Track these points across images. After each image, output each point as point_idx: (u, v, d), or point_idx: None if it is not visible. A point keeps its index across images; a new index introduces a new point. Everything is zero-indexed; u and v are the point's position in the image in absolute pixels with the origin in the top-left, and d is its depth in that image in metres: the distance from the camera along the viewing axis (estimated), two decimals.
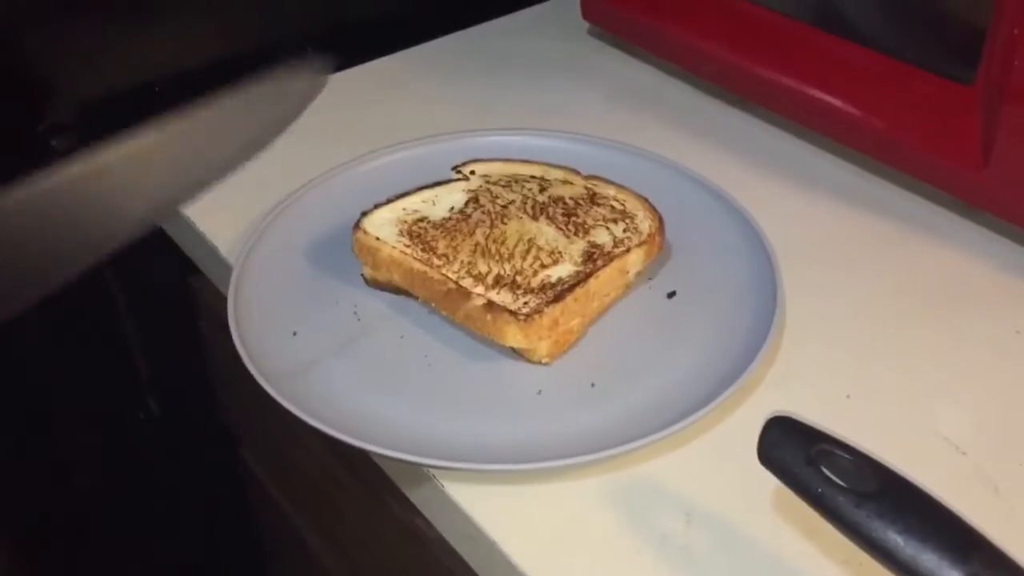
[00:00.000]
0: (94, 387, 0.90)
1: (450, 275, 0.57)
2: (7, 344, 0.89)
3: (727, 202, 0.66)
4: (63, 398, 0.90)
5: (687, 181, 0.68)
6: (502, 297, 0.56)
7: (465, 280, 0.57)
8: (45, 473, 0.96)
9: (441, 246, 0.60)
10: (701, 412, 0.52)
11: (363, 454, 0.52)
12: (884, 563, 0.39)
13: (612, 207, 0.63)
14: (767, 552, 0.48)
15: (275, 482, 0.88)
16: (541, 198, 0.64)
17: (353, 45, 0.87)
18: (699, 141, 0.76)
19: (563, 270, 0.58)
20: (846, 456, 0.41)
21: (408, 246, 0.60)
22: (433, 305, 0.58)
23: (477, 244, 0.60)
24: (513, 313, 0.55)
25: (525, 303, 0.56)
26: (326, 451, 0.71)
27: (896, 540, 0.39)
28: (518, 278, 0.58)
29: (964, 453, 0.52)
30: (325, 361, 0.57)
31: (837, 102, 0.70)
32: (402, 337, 0.59)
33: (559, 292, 0.56)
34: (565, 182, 0.66)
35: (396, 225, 0.62)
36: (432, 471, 0.51)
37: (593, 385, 0.56)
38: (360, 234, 0.60)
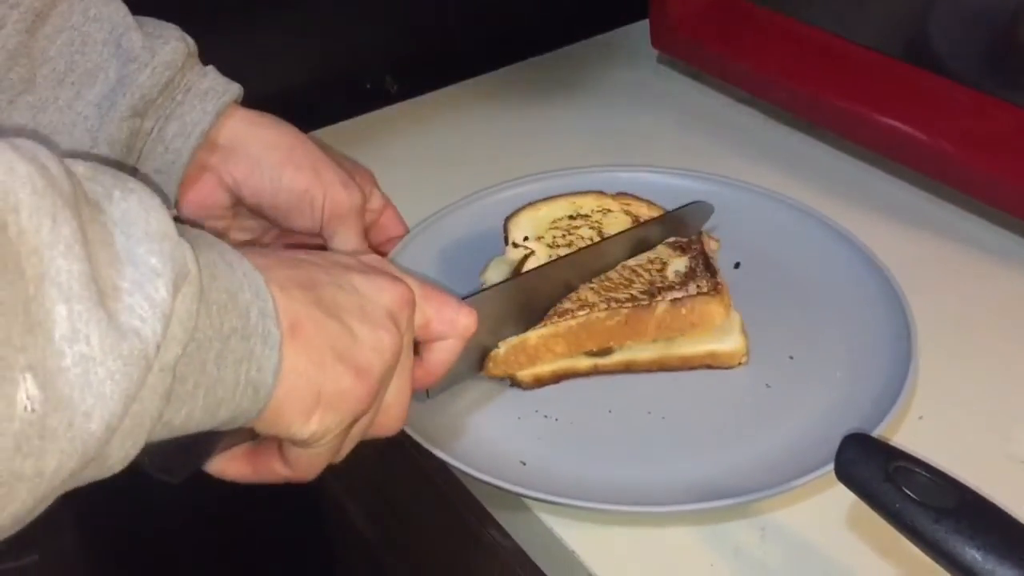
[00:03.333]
0: None
1: (611, 307, 0.58)
2: None
3: (863, 253, 0.65)
4: None
5: (818, 225, 0.68)
6: (674, 294, 0.58)
7: (628, 302, 0.58)
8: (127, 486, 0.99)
9: (570, 305, 0.58)
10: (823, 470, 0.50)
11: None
12: None
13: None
14: (841, 568, 0.49)
15: (348, 493, 0.90)
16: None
17: (428, 72, 0.89)
18: (769, 165, 0.77)
19: (679, 263, 0.61)
20: (924, 473, 0.42)
21: (546, 322, 0.58)
22: (613, 345, 0.58)
23: (592, 288, 0.60)
24: (705, 293, 0.58)
25: (696, 286, 0.58)
26: (410, 469, 0.73)
27: (974, 555, 0.40)
28: (659, 284, 0.59)
29: None
30: (571, 462, 0.55)
31: (910, 129, 0.71)
32: (610, 411, 0.58)
33: (707, 269, 0.60)
34: (605, 211, 0.67)
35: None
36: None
37: (768, 386, 0.58)
38: (495, 351, 0.57)
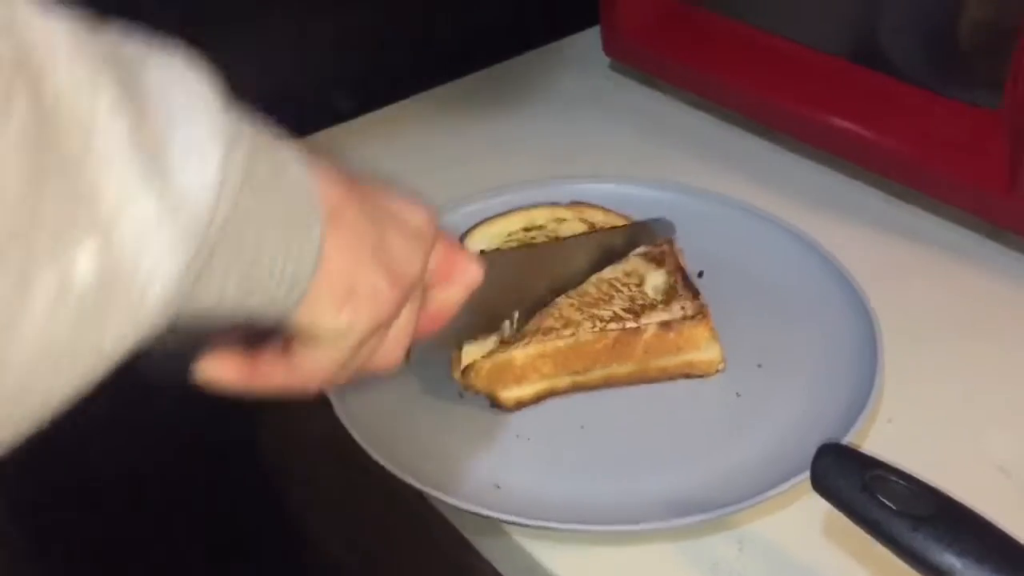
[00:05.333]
0: (130, 409, 0.91)
1: (596, 326, 0.57)
2: None
3: (822, 256, 0.65)
4: (95, 419, 0.91)
5: (778, 229, 0.68)
6: (660, 316, 0.58)
7: (613, 325, 0.58)
8: (76, 495, 0.97)
9: (552, 323, 0.58)
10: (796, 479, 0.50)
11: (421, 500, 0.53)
12: None
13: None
14: None
15: (322, 519, 0.89)
16: None
17: (376, 88, 0.88)
18: (726, 171, 0.77)
19: (656, 278, 0.61)
20: (900, 482, 0.42)
21: (530, 341, 0.57)
22: (598, 367, 0.58)
23: (572, 304, 0.59)
24: (691, 317, 0.58)
25: (681, 308, 0.59)
26: (384, 495, 0.72)
27: (953, 562, 0.40)
28: (640, 302, 0.59)
29: (1008, 474, 0.53)
30: (546, 483, 0.54)
31: (865, 131, 0.71)
32: (583, 427, 0.57)
33: (688, 288, 0.60)
34: (560, 220, 0.67)
35: (489, 342, 0.58)
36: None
37: (738, 395, 0.58)
38: (480, 364, 0.56)
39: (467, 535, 0.57)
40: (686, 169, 0.77)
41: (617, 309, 0.59)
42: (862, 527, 0.42)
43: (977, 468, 0.54)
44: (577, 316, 0.58)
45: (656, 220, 0.65)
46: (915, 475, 0.43)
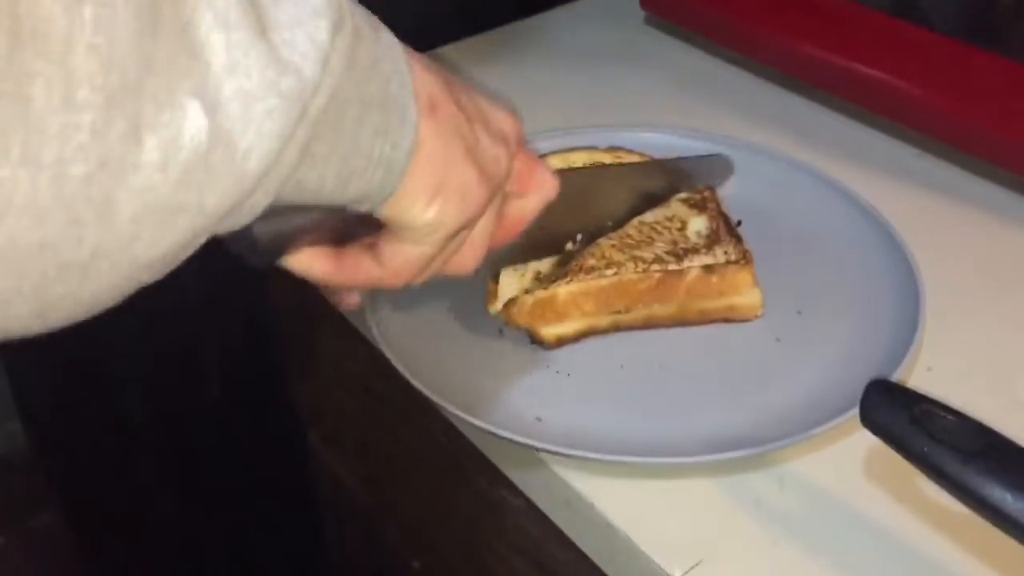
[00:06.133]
0: (157, 365, 0.92)
1: (639, 267, 0.58)
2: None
3: (869, 214, 0.64)
4: (126, 371, 0.92)
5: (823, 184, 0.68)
6: (704, 259, 0.58)
7: (656, 265, 0.58)
8: (104, 445, 0.97)
9: (594, 262, 0.58)
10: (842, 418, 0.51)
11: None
12: (990, 518, 0.41)
13: None
14: (859, 514, 0.50)
15: (339, 460, 0.89)
16: None
17: (414, 35, 0.88)
18: (762, 125, 0.77)
19: (698, 223, 0.62)
20: (948, 417, 0.43)
21: (572, 279, 0.57)
22: (640, 307, 0.58)
23: (614, 246, 0.60)
24: (735, 262, 0.58)
25: (725, 252, 0.59)
26: (412, 431, 0.72)
27: (1003, 495, 0.40)
28: (682, 244, 0.60)
29: None
30: (587, 418, 0.54)
31: (901, 84, 0.71)
32: (622, 366, 0.58)
33: (731, 233, 0.60)
34: (598, 164, 0.67)
35: (526, 278, 0.59)
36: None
37: (778, 340, 0.58)
38: (523, 299, 0.57)
39: (504, 469, 0.57)
40: (721, 123, 0.77)
41: (659, 251, 0.59)
42: (911, 461, 0.43)
43: (1016, 416, 0.54)
44: (618, 257, 0.59)
45: (713, 157, 0.65)
46: (963, 411, 0.43)
